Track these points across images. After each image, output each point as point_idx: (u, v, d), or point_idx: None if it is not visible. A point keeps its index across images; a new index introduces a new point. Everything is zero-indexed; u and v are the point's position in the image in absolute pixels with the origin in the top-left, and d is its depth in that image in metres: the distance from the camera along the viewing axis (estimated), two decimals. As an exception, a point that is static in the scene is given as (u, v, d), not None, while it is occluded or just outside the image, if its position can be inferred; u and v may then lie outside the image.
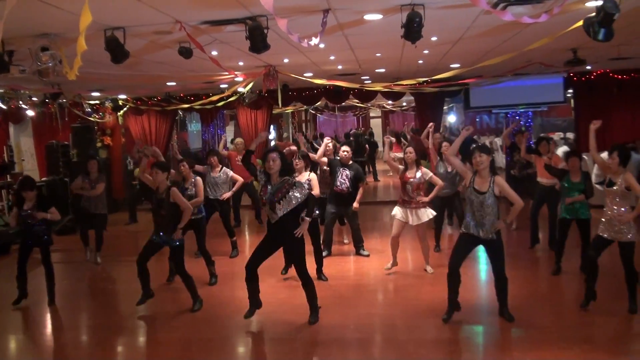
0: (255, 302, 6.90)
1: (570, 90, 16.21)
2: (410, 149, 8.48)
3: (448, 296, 6.71)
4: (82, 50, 4.76)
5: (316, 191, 8.49)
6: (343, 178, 9.34)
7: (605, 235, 6.70)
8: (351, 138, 21.18)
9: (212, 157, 10.10)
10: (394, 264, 8.90)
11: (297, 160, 8.61)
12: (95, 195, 10.21)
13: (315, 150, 10.90)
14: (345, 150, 9.49)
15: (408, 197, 8.39)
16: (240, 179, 10.23)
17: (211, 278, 8.78)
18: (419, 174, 8.36)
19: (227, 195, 10.01)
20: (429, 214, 8.43)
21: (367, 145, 20.83)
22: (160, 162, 7.89)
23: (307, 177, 8.53)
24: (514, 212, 6.51)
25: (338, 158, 9.56)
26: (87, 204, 10.27)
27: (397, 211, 8.54)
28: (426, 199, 8.42)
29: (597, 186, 13.46)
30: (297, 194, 6.60)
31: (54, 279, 8.14)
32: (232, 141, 23.93)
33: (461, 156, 6.91)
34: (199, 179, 8.89)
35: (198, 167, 9.76)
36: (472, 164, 6.45)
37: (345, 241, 10.94)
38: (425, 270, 8.74)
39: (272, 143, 24.15)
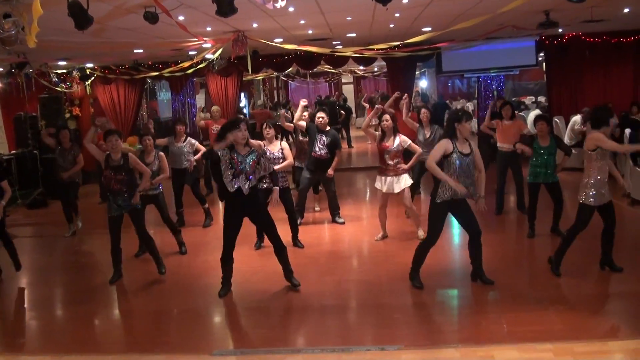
0: (228, 284, 6.88)
1: (542, 54, 16.20)
2: (387, 116, 8.36)
3: (417, 265, 6.68)
4: (39, 15, 4.57)
5: (290, 159, 8.53)
6: (321, 144, 9.27)
7: (597, 203, 6.52)
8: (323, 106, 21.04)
9: (180, 125, 9.86)
10: (384, 235, 8.84)
11: (267, 129, 8.55)
12: (79, 168, 10.04)
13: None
14: (320, 116, 9.42)
15: (385, 165, 8.31)
16: (202, 148, 10.01)
17: (181, 247, 8.71)
18: (397, 142, 8.25)
19: (193, 159, 9.80)
20: (407, 181, 8.37)
21: (342, 111, 20.72)
22: (116, 129, 7.82)
23: (279, 146, 8.50)
24: (482, 181, 6.53)
25: (314, 124, 9.48)
26: (62, 174, 9.95)
27: (379, 183, 8.47)
28: (406, 167, 8.36)
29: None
30: (268, 163, 6.68)
31: (14, 245, 8.04)
32: (203, 110, 23.73)
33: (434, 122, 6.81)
34: (162, 154, 8.63)
35: (160, 141, 9.52)
36: (454, 129, 6.30)
37: (317, 209, 10.87)
38: (417, 235, 8.59)
39: (245, 111, 23.90)
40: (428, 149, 9.40)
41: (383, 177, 8.38)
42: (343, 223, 9.82)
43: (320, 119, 9.39)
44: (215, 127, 12.34)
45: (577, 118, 13.24)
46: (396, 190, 8.31)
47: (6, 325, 6.66)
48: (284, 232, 7.74)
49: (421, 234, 8.57)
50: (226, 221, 6.67)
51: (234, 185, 6.45)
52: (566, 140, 13.14)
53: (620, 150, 6.36)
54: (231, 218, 6.65)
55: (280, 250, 6.82)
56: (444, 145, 6.27)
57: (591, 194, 6.48)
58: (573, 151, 13.04)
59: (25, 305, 7.27)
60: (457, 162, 6.22)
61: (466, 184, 6.28)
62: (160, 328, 6.17)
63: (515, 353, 4.98)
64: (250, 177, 6.47)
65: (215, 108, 13.02)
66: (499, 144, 9.63)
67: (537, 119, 8.23)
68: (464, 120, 6.23)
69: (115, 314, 6.82)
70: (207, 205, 10.34)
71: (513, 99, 22.87)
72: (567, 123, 14.10)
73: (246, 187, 6.46)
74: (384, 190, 8.38)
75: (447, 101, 25.43)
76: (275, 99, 29.81)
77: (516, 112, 11.17)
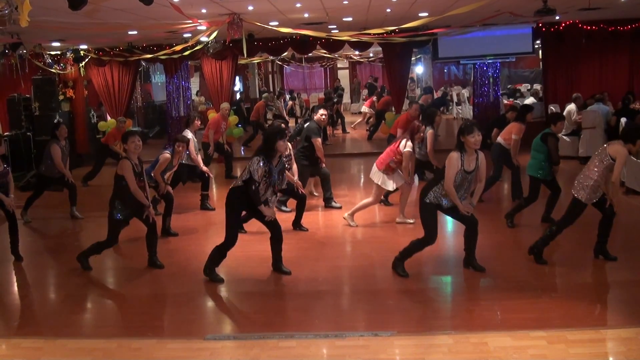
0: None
1: (539, 41, 16.17)
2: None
3: (405, 257, 6.62)
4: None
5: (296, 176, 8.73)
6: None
7: (590, 201, 6.51)
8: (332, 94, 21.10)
9: (197, 120, 9.98)
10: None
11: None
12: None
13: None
14: (323, 113, 9.60)
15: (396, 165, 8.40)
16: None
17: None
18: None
19: (205, 169, 9.89)
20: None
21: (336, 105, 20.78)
22: (136, 130, 7.70)
23: (289, 147, 8.59)
24: (479, 192, 6.55)
25: (314, 120, 9.58)
26: (51, 170, 9.73)
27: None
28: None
29: (566, 138, 13.57)
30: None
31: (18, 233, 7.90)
32: (197, 93, 23.65)
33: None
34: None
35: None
36: (461, 143, 6.20)
37: (315, 194, 10.83)
38: (408, 221, 8.66)
39: (238, 96, 23.82)
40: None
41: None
42: (340, 208, 9.76)
43: (324, 117, 9.63)
44: (225, 125, 12.58)
45: (572, 107, 13.20)
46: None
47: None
48: (284, 217, 7.72)
49: (410, 220, 8.66)
50: (236, 212, 6.58)
51: (264, 197, 6.41)
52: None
53: (616, 178, 6.36)
54: (239, 214, 6.62)
55: (280, 240, 6.76)
56: (455, 163, 6.15)
57: (587, 191, 6.44)
58: (567, 139, 13.13)
59: (18, 288, 7.23)
60: (459, 177, 6.19)
61: (462, 196, 6.30)
62: (153, 312, 6.14)
63: (508, 340, 4.98)
64: (276, 191, 6.55)
65: (225, 105, 13.08)
66: (499, 139, 9.43)
67: (559, 118, 8.14)
68: (467, 134, 6.11)
69: (107, 298, 6.78)
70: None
71: (509, 86, 22.87)
72: (561, 111, 14.09)
73: (273, 199, 6.55)
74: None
75: (443, 87, 25.41)
76: (270, 84, 29.78)
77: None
